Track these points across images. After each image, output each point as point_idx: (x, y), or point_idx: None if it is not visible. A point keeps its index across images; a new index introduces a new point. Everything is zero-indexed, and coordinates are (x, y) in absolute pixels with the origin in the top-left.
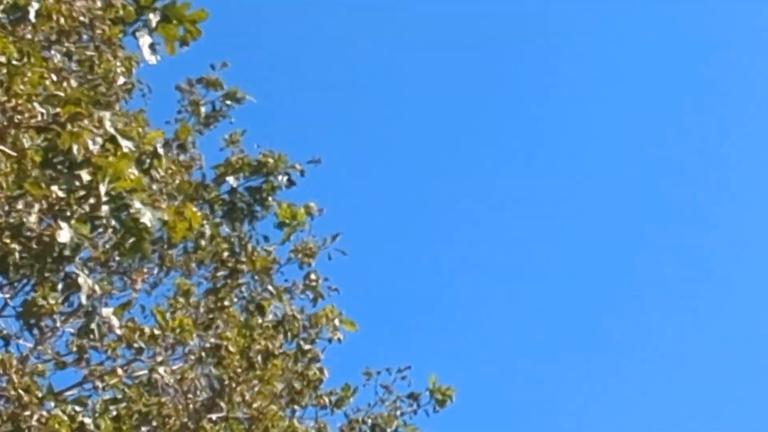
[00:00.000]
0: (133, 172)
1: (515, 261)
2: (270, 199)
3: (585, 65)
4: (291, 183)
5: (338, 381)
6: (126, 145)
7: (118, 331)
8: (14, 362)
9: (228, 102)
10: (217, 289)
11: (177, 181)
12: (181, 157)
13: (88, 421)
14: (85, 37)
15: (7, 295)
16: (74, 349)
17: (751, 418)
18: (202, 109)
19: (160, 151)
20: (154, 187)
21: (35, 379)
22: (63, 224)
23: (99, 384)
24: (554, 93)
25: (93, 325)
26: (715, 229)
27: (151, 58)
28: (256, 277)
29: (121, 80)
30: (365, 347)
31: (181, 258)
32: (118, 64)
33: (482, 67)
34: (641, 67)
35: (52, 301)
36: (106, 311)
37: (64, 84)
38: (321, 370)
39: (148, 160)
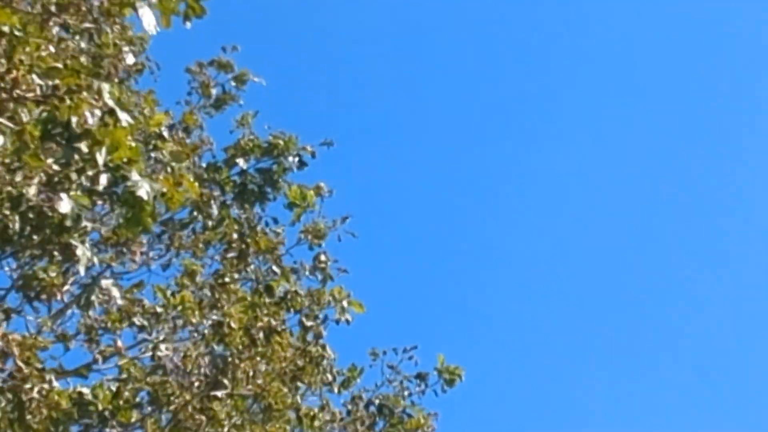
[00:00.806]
0: (131, 143)
1: (523, 244)
2: (281, 180)
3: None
4: (302, 164)
5: (346, 361)
6: (124, 118)
7: (120, 302)
8: (16, 336)
9: (238, 85)
10: (222, 270)
11: (173, 149)
12: (188, 141)
13: (86, 391)
14: (83, 9)
15: (7, 268)
16: (82, 329)
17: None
18: (213, 91)
19: (165, 133)
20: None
21: (39, 354)
22: (63, 195)
23: (100, 361)
24: (556, 84)
25: (93, 297)
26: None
27: (150, 29)
28: (263, 258)
29: (130, 60)
30: (374, 328)
31: (190, 239)
32: (124, 44)
33: (493, 52)
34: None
35: (52, 275)
36: (106, 282)
37: (63, 56)
38: (324, 347)
39: (153, 142)
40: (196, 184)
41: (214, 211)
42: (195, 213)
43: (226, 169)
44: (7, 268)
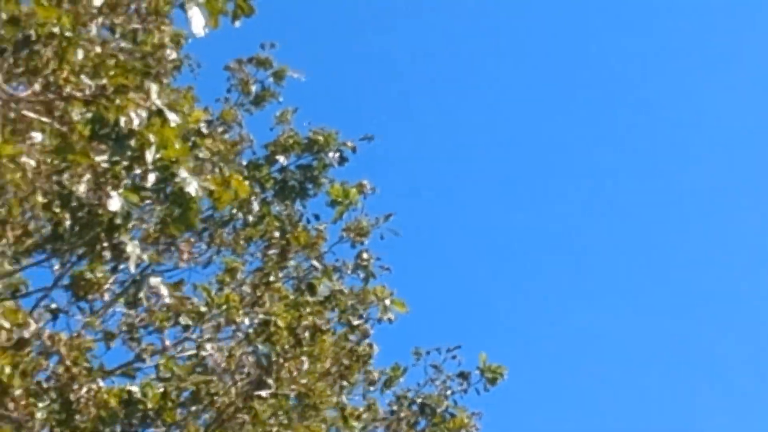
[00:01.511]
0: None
1: (568, 244)
2: (321, 177)
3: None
4: (343, 160)
5: (388, 361)
6: (173, 118)
7: (168, 300)
8: (63, 337)
9: (277, 81)
10: (264, 267)
11: (219, 150)
12: (226, 136)
13: (135, 389)
14: (132, 6)
15: (56, 266)
16: (124, 328)
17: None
18: (252, 88)
19: (204, 129)
20: (200, 155)
21: (85, 354)
22: (112, 193)
23: (148, 360)
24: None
25: (141, 294)
26: None
27: (198, 31)
28: (305, 254)
29: (171, 55)
30: (416, 327)
31: (231, 236)
32: (167, 39)
33: (536, 47)
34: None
35: (100, 275)
36: (155, 281)
37: (110, 56)
38: (370, 345)
39: (192, 138)
40: (246, 183)
41: (255, 207)
42: (235, 210)
43: (266, 166)
44: (57, 266)
